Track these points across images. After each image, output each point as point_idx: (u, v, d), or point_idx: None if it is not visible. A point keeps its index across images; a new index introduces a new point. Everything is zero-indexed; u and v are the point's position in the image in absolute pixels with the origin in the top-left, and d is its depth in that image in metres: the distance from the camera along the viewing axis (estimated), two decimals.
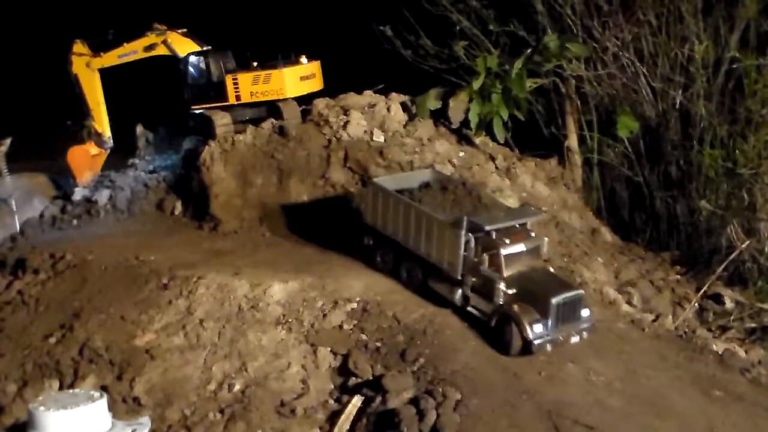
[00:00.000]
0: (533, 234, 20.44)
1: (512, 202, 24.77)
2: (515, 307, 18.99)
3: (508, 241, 19.44)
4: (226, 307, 20.71)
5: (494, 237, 19.47)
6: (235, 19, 37.78)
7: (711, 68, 26.37)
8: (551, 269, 20.85)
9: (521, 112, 27.10)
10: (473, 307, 19.89)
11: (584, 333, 19.43)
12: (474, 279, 19.73)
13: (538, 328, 18.70)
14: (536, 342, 18.65)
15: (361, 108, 27.33)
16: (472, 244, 19.53)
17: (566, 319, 19.11)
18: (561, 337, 19.01)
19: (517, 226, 20.16)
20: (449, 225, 19.82)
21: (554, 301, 18.81)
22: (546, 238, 21.04)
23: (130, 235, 25.87)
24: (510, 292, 19.23)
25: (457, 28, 28.74)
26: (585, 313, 19.53)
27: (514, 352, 18.92)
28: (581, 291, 19.93)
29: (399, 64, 28.98)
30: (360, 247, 22.39)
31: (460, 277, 19.80)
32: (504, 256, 19.29)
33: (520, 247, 19.63)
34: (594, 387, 18.41)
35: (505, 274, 19.29)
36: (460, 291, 20.00)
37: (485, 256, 19.41)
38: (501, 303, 19.24)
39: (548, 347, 18.83)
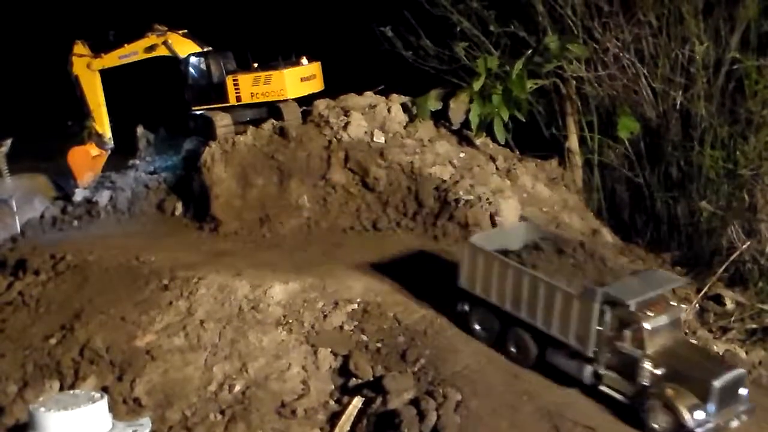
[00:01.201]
0: (673, 303, 18.38)
1: (513, 203, 24.77)
2: (669, 391, 16.75)
3: (650, 314, 17.28)
4: (226, 307, 20.72)
5: (635, 309, 17.25)
6: (235, 20, 37.79)
7: (711, 69, 26.34)
8: (694, 341, 19.06)
9: (522, 113, 27.10)
10: (608, 386, 17.65)
11: (744, 416, 17.23)
12: (609, 356, 17.48)
13: (699, 414, 16.50)
14: (697, 431, 16.54)
15: (362, 109, 27.35)
16: (608, 317, 17.31)
17: (727, 402, 16.90)
18: (721, 423, 16.82)
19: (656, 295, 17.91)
20: (579, 297, 17.51)
21: (717, 383, 16.61)
22: (684, 306, 19.03)
23: (131, 235, 25.89)
24: (657, 371, 17.07)
25: (458, 28, 28.72)
26: (743, 392, 17.39)
27: None
28: (743, 370, 17.88)
29: (399, 65, 28.98)
30: (453, 313, 20.04)
31: (591, 354, 17.55)
32: (647, 330, 17.12)
33: (662, 320, 17.43)
34: (594, 388, 18.38)
35: (649, 350, 17.15)
36: (590, 368, 17.73)
37: (626, 332, 17.27)
38: (647, 384, 17.09)
39: None
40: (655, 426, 16.90)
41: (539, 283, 18.04)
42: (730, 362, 18.51)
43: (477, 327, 19.61)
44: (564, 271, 18.59)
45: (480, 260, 19.09)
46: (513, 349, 18.95)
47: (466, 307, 19.70)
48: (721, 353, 20.13)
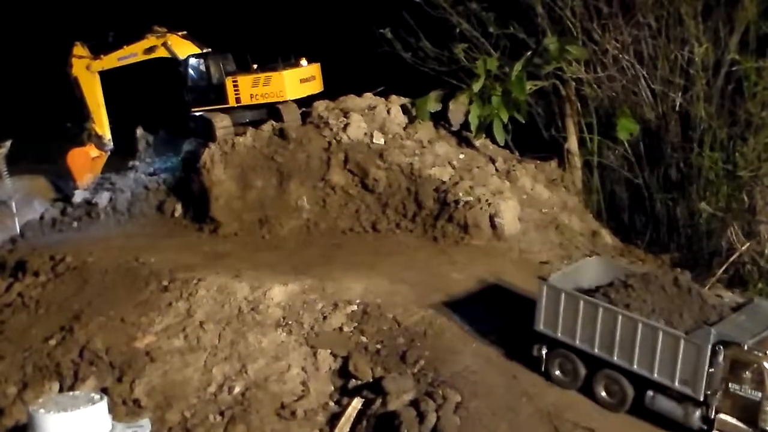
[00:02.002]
0: None
1: (512, 205, 24.78)
2: None
3: None
4: (226, 309, 20.72)
5: (751, 349, 16.24)
6: (235, 22, 37.79)
7: (711, 71, 26.36)
8: None
9: (521, 115, 27.10)
10: (721, 431, 16.63)
11: None
12: (722, 399, 16.45)
13: None
14: None
15: (361, 110, 27.35)
16: (721, 359, 16.28)
17: None
18: None
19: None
20: (688, 338, 16.56)
21: None
22: None
23: (131, 237, 25.89)
24: None
25: (457, 30, 28.74)
26: None
27: None
28: None
29: (399, 66, 28.98)
30: (530, 357, 18.86)
31: (701, 398, 16.53)
32: (767, 370, 16.02)
33: None
34: None
35: None
36: (699, 413, 16.66)
37: (745, 374, 16.17)
38: None
39: None
40: None
41: (637, 324, 17.01)
42: None
43: (557, 372, 18.47)
44: (661, 309, 17.54)
45: (562, 302, 17.95)
46: (603, 394, 17.90)
47: (544, 351, 18.53)
48: None
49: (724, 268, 24.24)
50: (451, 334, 19.69)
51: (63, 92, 29.61)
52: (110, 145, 29.85)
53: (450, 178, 25.57)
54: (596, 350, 17.58)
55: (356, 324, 20.26)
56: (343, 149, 26.15)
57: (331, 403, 18.93)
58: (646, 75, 27.41)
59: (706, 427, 16.73)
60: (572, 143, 28.76)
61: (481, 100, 26.87)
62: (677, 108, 27.10)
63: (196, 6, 36.32)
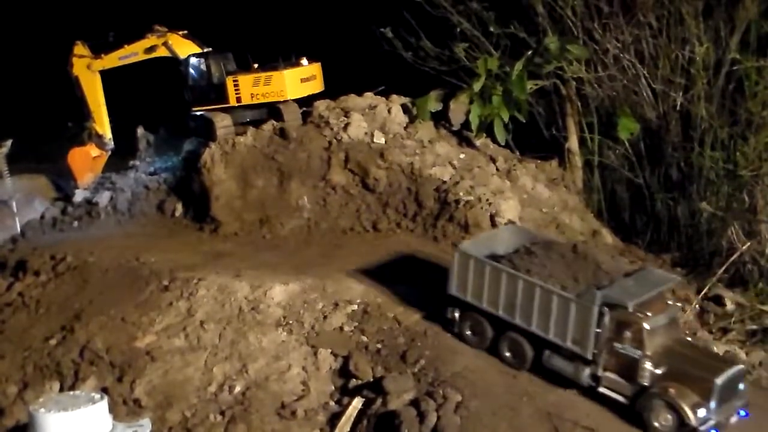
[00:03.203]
0: (670, 302, 18.33)
1: (513, 204, 24.77)
2: (671, 390, 16.72)
3: (649, 314, 17.25)
4: (226, 308, 20.72)
5: (634, 310, 17.24)
6: (235, 21, 37.79)
7: (711, 70, 26.36)
8: (692, 340, 18.93)
9: (522, 114, 27.10)
10: (607, 388, 17.59)
11: (743, 411, 17.25)
12: (608, 357, 17.46)
13: (702, 412, 16.49)
14: (701, 428, 16.52)
15: (362, 110, 27.34)
16: (607, 319, 17.32)
17: (727, 399, 16.94)
18: (722, 420, 16.83)
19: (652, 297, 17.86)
20: (577, 300, 17.55)
21: (719, 381, 16.59)
22: (680, 305, 18.80)
23: (131, 236, 25.89)
24: (658, 371, 17.03)
25: (458, 29, 28.75)
26: (742, 387, 17.44)
27: None
28: (742, 366, 17.96)
29: (400, 65, 28.99)
30: (443, 320, 19.92)
31: (590, 356, 17.53)
32: (647, 330, 17.08)
33: (661, 319, 17.44)
34: (592, 389, 18.38)
35: (649, 350, 17.09)
36: (588, 370, 17.70)
37: (625, 333, 17.25)
38: (647, 384, 17.04)
39: None
40: (657, 425, 16.88)
41: (534, 287, 18.01)
42: (729, 359, 18.47)
43: (468, 333, 19.53)
44: (558, 274, 18.49)
45: (471, 267, 19.00)
46: (507, 354, 18.92)
47: (457, 314, 19.57)
48: (720, 352, 20.07)
49: (724, 267, 24.24)
50: (451, 334, 19.68)
51: (63, 92, 29.60)
52: (111, 144, 29.84)
53: (450, 178, 25.57)
54: (500, 312, 18.64)
55: (357, 323, 20.27)
56: (343, 149, 26.15)
57: (332, 403, 18.94)
58: (646, 74, 27.41)
59: (594, 384, 17.71)
60: (573, 143, 28.76)
61: (482, 99, 26.86)
62: (678, 107, 27.11)
63: (196, 6, 36.32)
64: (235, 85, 27.57)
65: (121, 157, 30.25)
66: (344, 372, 19.32)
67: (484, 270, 18.79)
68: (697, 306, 23.69)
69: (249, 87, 27.48)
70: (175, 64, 28.30)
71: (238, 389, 19.19)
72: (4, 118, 31.32)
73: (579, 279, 18.39)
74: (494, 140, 27.85)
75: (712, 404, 16.60)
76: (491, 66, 26.83)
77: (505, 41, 28.35)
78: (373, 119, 27.16)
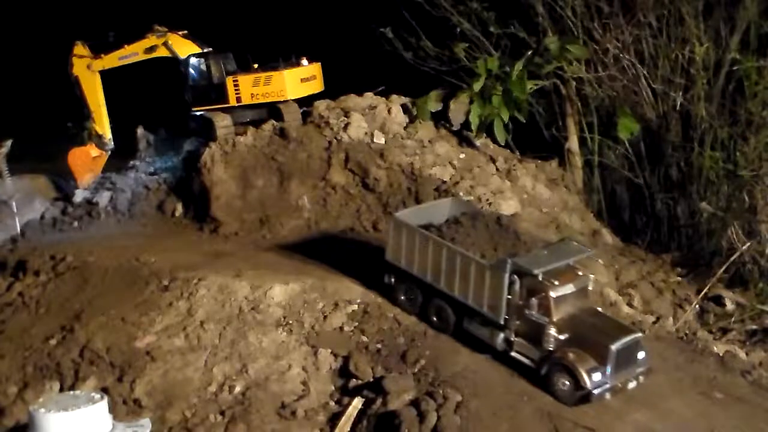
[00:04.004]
0: (580, 273, 19.06)
1: (513, 204, 24.77)
2: (570, 355, 17.61)
3: (556, 283, 18.10)
4: (226, 308, 20.71)
5: (542, 279, 18.07)
6: (235, 21, 37.79)
7: (711, 70, 26.38)
8: (601, 309, 19.56)
9: (522, 114, 27.11)
10: (518, 352, 18.47)
11: (641, 377, 18.19)
12: (519, 323, 18.34)
13: (597, 376, 17.39)
14: (595, 392, 17.37)
15: (362, 110, 27.35)
16: (517, 287, 18.19)
17: (625, 365, 17.85)
18: (619, 384, 17.76)
19: (564, 265, 18.78)
20: (491, 267, 18.48)
21: (614, 347, 17.52)
22: (593, 276, 19.50)
23: (131, 236, 25.88)
24: (561, 337, 17.88)
25: (458, 29, 28.77)
26: (641, 356, 18.35)
27: (570, 402, 17.56)
28: (639, 334, 18.71)
29: (400, 66, 29.01)
30: (381, 285, 20.85)
31: (502, 322, 18.42)
32: (553, 298, 17.96)
33: (568, 288, 18.28)
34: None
35: (555, 317, 17.93)
36: (502, 335, 18.59)
37: (533, 300, 18.11)
38: (552, 349, 17.89)
39: (607, 396, 17.54)
40: (558, 388, 17.71)
41: (456, 255, 18.93)
42: (630, 328, 19.07)
43: (402, 298, 20.51)
44: (480, 243, 19.49)
45: (404, 234, 19.95)
46: (434, 318, 19.91)
47: (392, 280, 20.51)
48: (625, 322, 20.49)
49: (724, 267, 24.26)
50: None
51: (63, 92, 29.59)
52: (111, 144, 29.81)
53: (450, 178, 25.58)
54: (428, 279, 19.58)
55: (357, 323, 20.28)
56: (343, 149, 26.15)
57: (332, 403, 18.93)
58: (646, 74, 27.43)
59: (508, 348, 18.61)
60: (573, 143, 28.78)
61: (482, 99, 26.87)
62: (678, 107, 27.13)
63: (196, 6, 36.32)
64: (235, 85, 27.56)
65: (121, 157, 30.23)
66: (344, 372, 19.31)
67: (414, 237, 19.73)
68: (697, 306, 23.72)
69: (249, 87, 27.47)
70: (175, 64, 28.28)
71: (238, 389, 19.19)
72: (4, 118, 31.31)
73: (498, 249, 19.47)
74: (494, 140, 27.86)
75: (608, 369, 17.47)
76: (491, 66, 26.85)
77: (505, 41, 28.38)
78: (373, 119, 27.17)
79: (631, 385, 18.01)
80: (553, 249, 19.69)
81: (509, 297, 18.28)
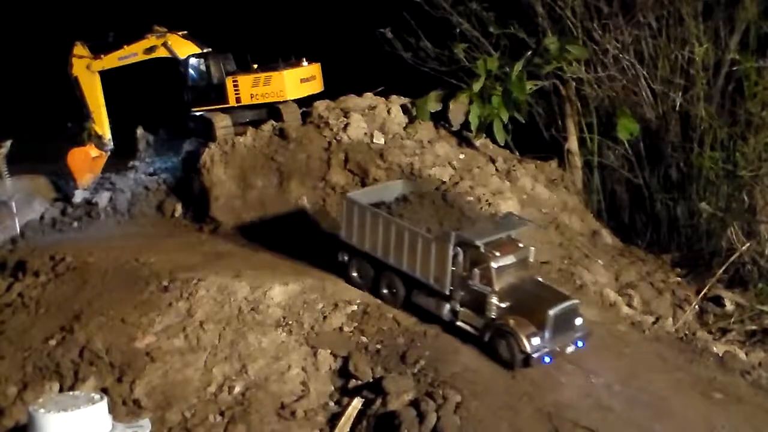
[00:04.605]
0: (521, 245, 19.97)
1: (512, 204, 24.77)
2: (510, 321, 18.53)
3: (498, 254, 19.00)
4: (226, 309, 20.71)
5: (483, 250, 18.95)
6: (235, 22, 37.78)
7: (711, 70, 26.39)
8: (541, 278, 20.23)
9: (521, 115, 27.11)
10: (463, 321, 19.41)
11: (579, 342, 19.08)
12: (463, 293, 19.29)
13: (536, 341, 18.32)
14: (534, 355, 18.25)
15: (362, 110, 27.34)
16: (461, 258, 19.09)
17: (563, 330, 18.75)
18: (558, 348, 18.64)
19: (505, 237, 19.77)
20: (435, 240, 19.36)
21: (551, 313, 18.43)
22: (533, 248, 20.23)
23: (131, 237, 25.87)
24: (503, 305, 18.81)
25: (458, 30, 28.76)
26: (579, 321, 19.21)
27: (512, 366, 18.52)
28: (577, 300, 19.46)
29: (399, 66, 28.99)
30: (335, 264, 21.80)
31: (448, 292, 19.35)
32: (495, 269, 18.86)
33: (509, 259, 19.21)
34: (594, 389, 18.41)
35: (497, 287, 18.85)
36: (448, 306, 19.53)
37: (475, 271, 18.99)
38: (494, 317, 18.80)
39: (547, 359, 18.41)
40: (502, 353, 18.66)
41: (404, 230, 19.88)
42: (567, 296, 19.62)
43: (355, 275, 21.41)
44: (426, 219, 20.47)
45: (355, 213, 20.88)
46: (385, 291, 20.84)
47: (346, 258, 21.45)
48: (564, 290, 20.80)
49: (724, 268, 24.25)
50: (451, 335, 19.69)
51: (63, 92, 29.58)
52: (110, 145, 29.78)
53: (450, 178, 25.57)
54: (379, 254, 20.53)
55: (356, 324, 20.26)
56: (343, 149, 26.14)
57: (331, 403, 18.92)
58: (646, 75, 27.43)
59: (454, 319, 19.57)
60: (572, 143, 28.77)
61: (482, 100, 26.87)
62: (677, 108, 27.12)
63: (196, 6, 36.31)
64: (235, 86, 27.55)
65: (120, 157, 30.22)
66: (344, 372, 19.30)
67: (365, 215, 20.68)
68: (696, 306, 23.72)
69: (248, 87, 27.47)
70: (174, 65, 28.28)
71: (237, 390, 19.18)
72: (4, 118, 31.29)
73: (444, 223, 20.34)
74: (494, 141, 27.85)
75: (547, 334, 18.43)
76: (491, 66, 26.84)
77: (505, 42, 28.35)
78: (373, 120, 27.16)
79: (570, 349, 18.90)
80: (495, 223, 21.15)
81: (454, 268, 19.17)
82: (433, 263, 19.36)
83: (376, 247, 20.56)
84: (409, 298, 20.39)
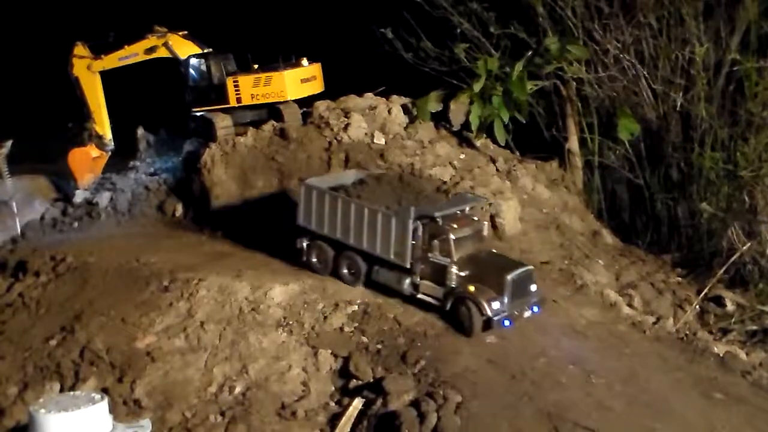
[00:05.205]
0: (476, 218, 21.09)
1: (513, 204, 24.78)
2: (471, 288, 19.48)
3: (455, 226, 20.03)
4: (226, 309, 20.71)
5: (441, 223, 19.93)
6: (236, 22, 37.79)
7: (712, 71, 26.38)
8: (494, 250, 21.35)
9: (522, 115, 27.12)
10: (424, 294, 20.30)
11: (535, 307, 20.02)
12: (423, 266, 20.16)
13: (496, 304, 19.26)
14: (495, 318, 19.22)
15: (362, 110, 27.35)
16: (420, 232, 19.98)
17: (520, 295, 19.74)
18: (516, 312, 19.61)
19: (460, 212, 20.79)
20: (395, 215, 20.16)
21: (509, 277, 19.41)
22: (486, 222, 21.52)
23: (131, 237, 25.88)
24: (462, 274, 19.75)
25: (458, 30, 28.76)
26: (534, 288, 20.15)
27: (475, 330, 19.42)
28: (531, 267, 20.47)
29: (400, 66, 29.00)
30: (293, 250, 22.26)
31: (408, 266, 20.12)
32: (453, 240, 19.77)
33: (466, 231, 20.23)
34: (595, 389, 18.38)
35: (456, 257, 19.78)
36: (408, 280, 20.35)
37: (435, 242, 19.88)
38: (454, 286, 19.74)
39: (506, 323, 19.34)
40: (462, 319, 19.53)
41: (363, 210, 20.56)
42: (521, 263, 20.65)
43: (314, 260, 21.97)
44: (384, 199, 21.39)
45: (314, 198, 21.45)
46: (345, 272, 21.42)
47: (305, 243, 21.96)
48: (517, 258, 21.77)
49: (724, 268, 24.24)
50: (451, 335, 19.70)
51: (64, 92, 29.59)
52: (111, 145, 29.83)
53: (451, 179, 25.56)
54: (338, 235, 21.12)
55: (357, 324, 20.27)
56: (343, 149, 26.15)
57: (332, 404, 18.92)
58: (647, 75, 27.43)
59: (414, 292, 20.40)
60: (573, 143, 28.78)
61: (482, 100, 26.89)
62: (678, 108, 27.13)
63: (196, 6, 36.33)
64: (236, 86, 27.57)
65: (121, 157, 30.24)
66: (344, 372, 19.30)
67: (324, 199, 21.26)
68: (697, 306, 23.71)
69: (249, 87, 27.49)
70: (175, 65, 28.30)
71: (238, 390, 19.18)
72: (4, 118, 31.31)
73: (402, 202, 21.25)
74: (494, 141, 27.88)
75: (505, 298, 19.37)
76: (491, 66, 26.85)
77: (506, 42, 28.36)
78: (374, 120, 27.17)
79: (527, 314, 19.87)
80: (451, 199, 22.49)
81: (414, 242, 19.97)
82: (394, 239, 20.09)
83: (335, 229, 21.15)
84: (369, 276, 21.09)
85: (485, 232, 21.10)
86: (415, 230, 19.93)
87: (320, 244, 21.73)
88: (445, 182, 25.30)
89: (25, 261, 23.84)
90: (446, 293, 19.87)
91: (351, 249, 21.09)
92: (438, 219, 19.95)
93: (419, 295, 20.36)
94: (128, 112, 30.26)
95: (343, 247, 21.25)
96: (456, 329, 19.66)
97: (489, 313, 19.21)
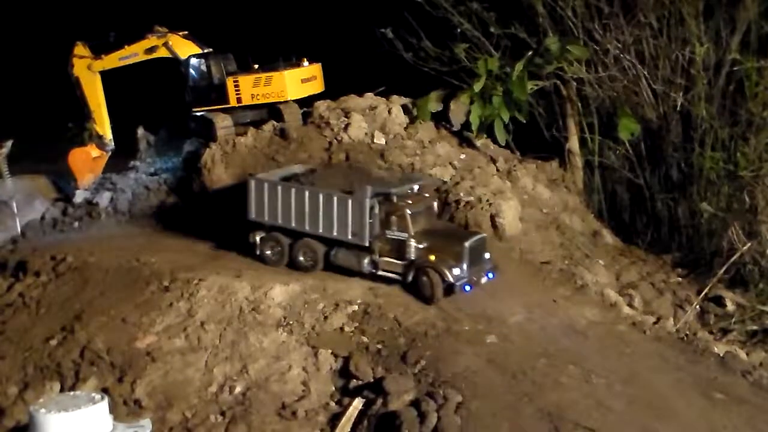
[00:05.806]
0: (427, 195, 22.16)
1: (513, 204, 24.77)
2: (431, 257, 20.44)
3: (410, 202, 21.03)
4: (227, 309, 20.71)
5: (396, 199, 20.89)
6: (236, 22, 37.80)
7: (712, 71, 26.37)
8: (448, 223, 22.83)
9: (522, 115, 27.11)
10: (384, 270, 21.15)
11: (490, 274, 21.08)
12: (381, 244, 21.00)
13: (456, 271, 20.25)
14: (457, 284, 20.20)
15: (362, 110, 27.34)
16: (377, 210, 20.80)
17: (476, 262, 20.76)
18: (474, 278, 20.57)
19: (411, 190, 21.74)
20: (352, 197, 20.79)
21: (467, 244, 20.47)
22: (436, 200, 22.67)
23: (131, 237, 25.89)
24: (421, 246, 20.68)
25: (458, 30, 28.74)
26: (487, 256, 21.30)
27: (437, 297, 20.41)
28: (485, 234, 21.83)
29: (400, 66, 28.99)
30: (246, 245, 22.80)
31: (367, 244, 20.90)
32: (409, 214, 20.72)
33: (420, 206, 21.27)
34: (595, 389, 18.38)
35: (413, 231, 20.74)
36: (368, 258, 21.16)
37: (392, 218, 20.77)
38: (414, 258, 20.68)
39: (467, 288, 20.34)
40: (425, 288, 20.55)
41: (318, 195, 21.24)
42: (474, 232, 21.97)
43: (268, 253, 22.55)
44: (336, 184, 21.90)
45: (265, 191, 21.97)
46: (302, 260, 22.09)
47: (258, 237, 22.54)
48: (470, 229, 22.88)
49: (725, 268, 24.23)
50: (451, 335, 19.69)
51: (64, 92, 29.60)
52: (111, 145, 29.82)
53: (451, 179, 25.57)
54: (293, 225, 21.70)
55: (357, 324, 20.27)
56: (344, 149, 26.15)
57: (332, 403, 18.92)
58: (647, 75, 27.41)
59: (374, 270, 21.26)
60: (573, 143, 28.76)
61: (482, 100, 26.88)
62: (678, 108, 27.11)
63: (196, 6, 36.34)
64: (236, 86, 27.56)
65: (121, 157, 30.24)
66: (345, 372, 19.30)
67: (276, 191, 21.80)
68: (697, 306, 23.71)
69: (249, 87, 27.48)
70: (175, 65, 28.29)
71: (238, 390, 19.18)
72: (4, 118, 31.32)
73: (354, 186, 21.52)
74: (495, 141, 27.87)
75: (464, 265, 20.40)
76: (492, 66, 26.85)
77: (506, 42, 28.34)
78: (374, 120, 27.16)
79: (484, 280, 20.91)
80: (401, 178, 23.23)
81: (371, 221, 20.78)
82: (351, 220, 20.84)
83: (290, 219, 21.72)
84: (327, 261, 21.75)
85: (435, 209, 22.30)
86: (371, 209, 20.70)
87: (275, 235, 22.28)
88: (445, 182, 25.31)
89: (26, 261, 23.84)
90: (406, 266, 20.76)
91: (307, 236, 21.71)
92: (393, 196, 20.88)
93: (379, 272, 21.18)
94: (128, 112, 30.26)
95: (298, 235, 21.86)
96: (418, 299, 20.64)
97: (451, 279, 20.20)
